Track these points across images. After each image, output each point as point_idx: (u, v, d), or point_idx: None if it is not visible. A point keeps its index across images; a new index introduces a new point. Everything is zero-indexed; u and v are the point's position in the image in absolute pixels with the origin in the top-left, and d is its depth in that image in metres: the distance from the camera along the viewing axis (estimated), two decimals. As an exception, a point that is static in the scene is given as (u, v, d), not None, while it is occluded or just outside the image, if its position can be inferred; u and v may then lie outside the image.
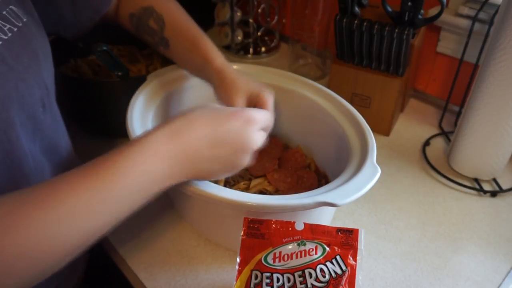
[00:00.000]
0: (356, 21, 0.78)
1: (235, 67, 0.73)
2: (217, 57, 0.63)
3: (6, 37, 0.47)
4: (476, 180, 0.78)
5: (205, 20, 1.14)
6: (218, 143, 0.48)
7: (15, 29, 0.48)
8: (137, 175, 0.43)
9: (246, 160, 0.51)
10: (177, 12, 0.68)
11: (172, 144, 0.45)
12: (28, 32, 0.51)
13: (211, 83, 0.64)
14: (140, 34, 0.70)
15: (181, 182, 0.48)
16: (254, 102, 0.60)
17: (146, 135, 0.46)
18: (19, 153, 0.48)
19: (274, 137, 0.79)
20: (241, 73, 0.63)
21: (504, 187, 0.76)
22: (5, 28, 0.47)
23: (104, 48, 0.73)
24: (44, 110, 0.52)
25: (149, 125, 0.64)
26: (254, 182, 0.71)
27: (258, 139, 0.51)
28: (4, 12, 0.48)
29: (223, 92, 0.61)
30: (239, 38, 1.11)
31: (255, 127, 0.50)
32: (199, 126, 0.47)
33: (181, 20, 0.67)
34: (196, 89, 0.75)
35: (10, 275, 0.36)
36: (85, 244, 0.41)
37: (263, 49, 1.13)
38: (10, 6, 0.49)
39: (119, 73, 0.78)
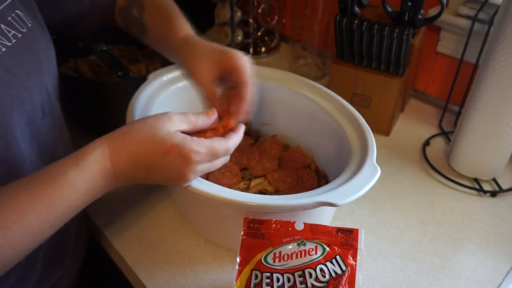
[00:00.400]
0: (356, 21, 0.78)
1: None
2: (184, 30, 0.60)
3: (10, 44, 0.47)
4: (476, 180, 0.78)
5: (205, 20, 1.14)
6: (153, 170, 0.47)
7: (20, 35, 0.48)
8: (76, 196, 0.44)
9: (185, 182, 0.49)
10: None
11: (108, 166, 0.45)
12: (32, 37, 0.51)
13: (177, 56, 0.60)
14: (127, 27, 0.69)
15: None
16: (226, 69, 0.54)
17: (84, 155, 0.44)
18: (17, 159, 0.48)
19: (274, 137, 0.79)
20: (208, 41, 0.57)
21: (504, 187, 0.76)
22: (10, 35, 0.47)
23: (104, 48, 0.73)
24: (44, 116, 0.52)
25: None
26: (254, 182, 0.71)
27: (196, 174, 0.49)
28: (9, 18, 0.48)
29: (188, 62, 0.56)
30: (239, 38, 1.11)
31: (194, 166, 0.47)
32: (137, 151, 0.46)
33: (160, 4, 0.65)
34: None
35: None
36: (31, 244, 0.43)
37: (263, 49, 1.13)
38: (16, 11, 0.49)
39: (119, 73, 0.78)
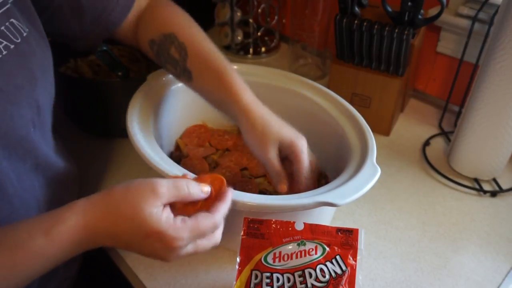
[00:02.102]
0: (356, 21, 0.78)
1: (235, 67, 0.73)
2: (244, 94, 0.59)
3: (0, 56, 0.44)
4: (476, 180, 0.78)
5: (205, 20, 1.14)
6: (132, 247, 0.44)
7: (12, 46, 0.46)
8: (41, 265, 0.41)
9: (168, 261, 0.45)
10: (200, 40, 0.62)
11: (82, 236, 0.42)
12: (27, 48, 0.48)
13: (237, 122, 0.60)
14: (161, 63, 0.65)
15: None
16: (287, 153, 0.58)
17: (56, 223, 0.41)
18: (0, 177, 0.46)
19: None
20: (268, 112, 0.60)
21: (504, 187, 0.76)
22: (1, 46, 0.45)
23: (104, 48, 0.73)
24: (35, 129, 0.50)
25: (149, 125, 0.64)
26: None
27: (178, 257, 0.45)
28: (3, 28, 0.45)
29: (253, 139, 0.58)
30: (239, 38, 1.11)
31: (175, 251, 0.44)
32: (115, 229, 0.42)
33: (205, 51, 0.62)
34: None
35: None
36: None
37: (263, 49, 1.13)
38: (11, 20, 0.47)
39: (119, 73, 0.78)
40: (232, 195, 0.49)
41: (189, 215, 0.45)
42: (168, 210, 0.44)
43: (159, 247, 0.43)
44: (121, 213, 0.42)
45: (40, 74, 0.50)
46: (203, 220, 0.44)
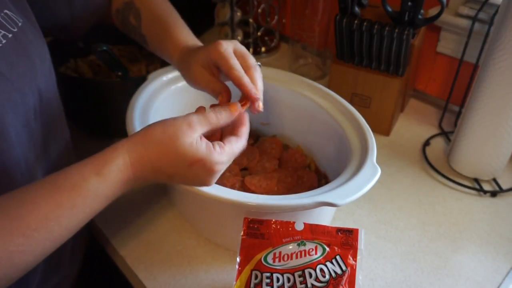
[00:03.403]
0: (356, 21, 0.78)
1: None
2: (182, 42, 0.60)
3: (0, 45, 0.46)
4: (476, 180, 0.78)
5: (205, 20, 1.14)
6: (175, 178, 0.47)
7: (10, 35, 0.47)
8: (96, 203, 0.44)
9: (207, 186, 0.49)
10: (152, 2, 0.65)
11: (130, 175, 0.44)
12: (24, 37, 0.50)
13: (181, 74, 0.61)
14: (126, 32, 0.68)
15: None
16: (214, 63, 0.53)
17: (105, 164, 0.43)
18: (11, 162, 0.47)
19: (274, 137, 0.79)
20: (195, 43, 0.59)
21: (504, 187, 0.76)
22: (0, 35, 0.46)
23: (104, 48, 0.73)
24: (36, 117, 0.52)
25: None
26: (254, 182, 0.71)
27: (217, 178, 0.48)
28: None
29: (186, 73, 0.58)
30: (239, 38, 1.11)
31: (217, 174, 0.47)
32: (160, 162, 0.45)
33: (155, 12, 0.63)
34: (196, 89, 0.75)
35: None
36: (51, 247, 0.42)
37: (263, 49, 1.13)
38: (5, 11, 0.48)
39: (119, 73, 0.78)
40: (247, 116, 0.51)
41: (217, 138, 0.50)
42: (205, 139, 0.46)
43: (202, 172, 0.46)
44: (163, 147, 0.44)
45: (39, 62, 0.52)
46: (236, 144, 0.48)
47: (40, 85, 0.52)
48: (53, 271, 0.59)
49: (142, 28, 0.64)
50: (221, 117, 0.48)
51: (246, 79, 0.51)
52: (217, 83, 0.55)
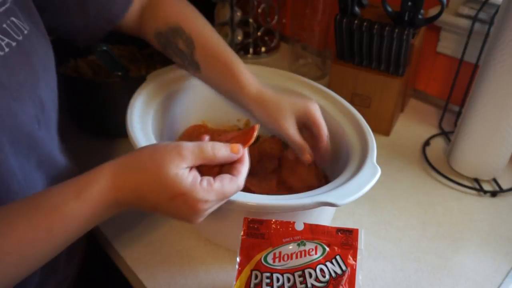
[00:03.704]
0: (356, 21, 0.78)
1: None
2: (251, 82, 0.61)
3: (2, 53, 0.45)
4: (476, 180, 0.78)
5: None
6: (159, 209, 0.45)
7: (14, 44, 0.46)
8: (75, 227, 0.42)
9: (193, 223, 0.47)
10: (207, 32, 0.63)
11: (111, 198, 0.43)
12: (28, 45, 0.48)
13: (248, 110, 0.62)
14: (169, 55, 0.66)
15: None
16: (304, 120, 0.60)
17: (86, 186, 0.42)
18: (7, 174, 0.46)
19: (274, 137, 0.79)
20: (277, 90, 0.62)
21: (504, 187, 0.76)
22: (3, 43, 0.45)
23: (104, 48, 0.73)
24: (40, 126, 0.51)
25: (149, 125, 0.64)
26: (254, 182, 0.71)
27: (203, 217, 0.46)
28: (4, 25, 0.46)
29: (269, 121, 0.59)
30: (239, 38, 1.11)
31: (200, 213, 0.45)
32: (142, 190, 0.43)
33: (212, 43, 0.63)
34: (196, 89, 0.75)
35: None
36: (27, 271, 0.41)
37: (263, 49, 1.13)
38: (12, 18, 0.47)
39: (119, 73, 0.78)
40: (247, 154, 0.49)
41: (214, 174, 0.45)
42: (194, 172, 0.44)
43: (184, 208, 0.43)
44: (147, 173, 0.42)
45: (42, 70, 0.51)
46: (228, 184, 0.45)
47: (42, 94, 0.50)
48: (49, 275, 0.58)
49: (196, 57, 0.63)
50: (219, 154, 0.45)
51: (326, 137, 0.61)
52: (303, 141, 0.60)
